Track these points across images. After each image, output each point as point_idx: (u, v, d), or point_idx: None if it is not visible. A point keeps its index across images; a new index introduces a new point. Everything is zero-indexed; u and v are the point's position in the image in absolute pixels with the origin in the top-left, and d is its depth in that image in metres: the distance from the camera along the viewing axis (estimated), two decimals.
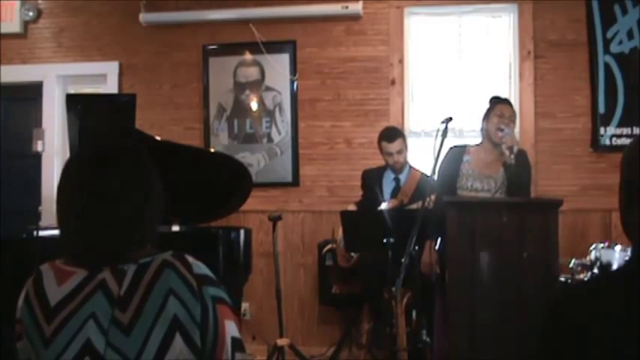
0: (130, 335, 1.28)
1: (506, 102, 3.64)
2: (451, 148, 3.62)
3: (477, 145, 3.68)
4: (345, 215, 3.83)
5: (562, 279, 3.44)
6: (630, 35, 4.47)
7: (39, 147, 3.94)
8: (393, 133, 4.09)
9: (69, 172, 1.42)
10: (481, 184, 3.54)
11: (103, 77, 5.04)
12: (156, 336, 1.28)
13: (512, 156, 3.39)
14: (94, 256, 1.35)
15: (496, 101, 3.62)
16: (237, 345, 1.36)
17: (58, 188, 1.41)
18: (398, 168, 4.10)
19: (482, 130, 3.64)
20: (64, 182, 1.41)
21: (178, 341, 1.28)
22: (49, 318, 1.32)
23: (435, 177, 3.26)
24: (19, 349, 1.38)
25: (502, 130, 3.45)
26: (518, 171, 3.44)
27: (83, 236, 1.36)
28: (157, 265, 1.34)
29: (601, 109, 4.48)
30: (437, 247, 3.55)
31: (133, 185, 1.37)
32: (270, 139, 4.85)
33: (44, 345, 1.31)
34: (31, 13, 5.09)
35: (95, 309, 1.31)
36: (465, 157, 3.61)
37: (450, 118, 3.14)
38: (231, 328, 1.35)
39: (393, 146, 4.04)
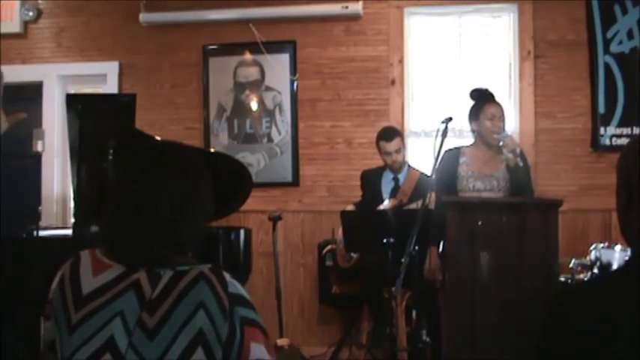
0: (153, 340, 1.28)
1: (492, 100, 3.54)
2: (446, 151, 3.56)
3: (471, 145, 3.65)
4: (345, 215, 3.83)
5: (562, 279, 3.44)
6: (630, 35, 4.47)
7: (39, 147, 3.94)
8: (391, 133, 4.09)
9: (123, 168, 1.42)
10: (482, 183, 3.52)
11: (103, 77, 5.04)
12: (178, 345, 1.27)
13: (517, 158, 3.37)
14: (133, 255, 1.35)
15: (481, 99, 3.54)
16: None
17: (110, 182, 1.41)
18: (396, 167, 4.10)
19: (473, 131, 3.60)
20: (117, 178, 1.41)
21: (199, 354, 1.26)
22: (78, 305, 1.32)
23: (434, 180, 3.25)
24: (45, 329, 1.38)
25: (498, 134, 3.43)
26: (524, 173, 3.43)
27: (125, 235, 1.36)
28: (193, 276, 1.32)
29: (601, 109, 4.48)
30: (440, 252, 3.53)
31: (184, 193, 1.37)
32: (270, 139, 4.85)
33: (68, 331, 1.31)
34: (31, 13, 5.09)
35: (124, 307, 1.31)
36: (462, 159, 3.59)
37: (450, 118, 3.14)
38: (256, 351, 1.32)
39: (391, 146, 4.04)
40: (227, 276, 1.36)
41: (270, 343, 1.37)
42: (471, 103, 3.60)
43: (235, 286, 1.35)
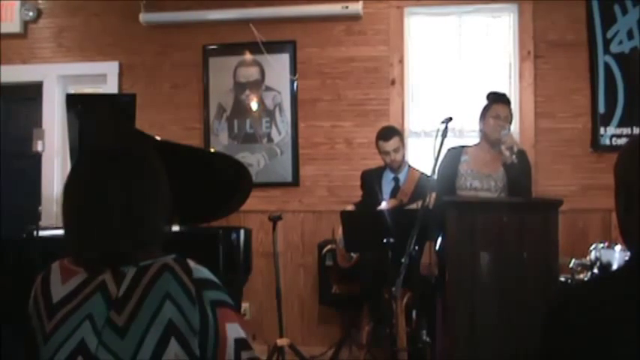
0: (124, 338, 1.28)
1: (502, 100, 3.60)
2: (449, 149, 3.61)
3: (475, 145, 3.69)
4: (345, 215, 3.83)
5: (562, 279, 3.44)
6: (630, 35, 4.47)
7: (39, 147, 3.93)
8: (389, 132, 4.09)
9: (75, 172, 1.43)
10: (480, 183, 3.54)
11: (103, 77, 5.04)
12: (150, 339, 1.27)
13: (513, 156, 3.39)
14: (94, 257, 1.36)
15: (493, 99, 3.60)
16: (241, 345, 1.35)
17: (63, 188, 1.42)
18: (395, 167, 4.10)
19: (480, 130, 3.64)
20: (69, 182, 1.41)
21: (174, 345, 1.28)
22: (50, 315, 1.34)
23: (435, 178, 3.26)
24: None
25: (500, 132, 3.45)
26: (519, 171, 3.44)
27: (84, 237, 1.36)
28: (157, 269, 1.34)
29: (601, 109, 4.48)
30: (437, 248, 3.55)
31: (136, 188, 1.37)
32: (270, 139, 4.85)
33: (44, 341, 1.32)
34: (31, 13, 5.09)
35: (92, 310, 1.32)
36: (463, 158, 3.62)
37: (450, 118, 3.14)
38: (232, 330, 1.34)
39: (390, 145, 4.04)
40: (191, 263, 1.37)
41: (244, 321, 1.38)
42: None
43: (201, 271, 1.36)
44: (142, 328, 1.28)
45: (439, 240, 3.55)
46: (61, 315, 1.32)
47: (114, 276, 1.34)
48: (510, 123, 3.58)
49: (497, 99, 3.60)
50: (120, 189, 1.35)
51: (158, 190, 1.41)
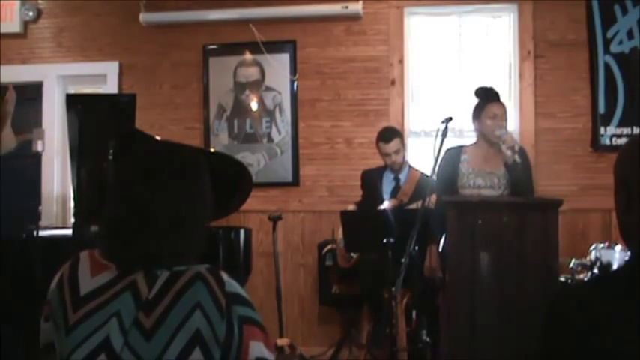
0: (150, 341, 1.28)
1: (495, 99, 3.56)
2: (447, 150, 3.58)
3: (473, 144, 3.68)
4: (345, 215, 3.83)
5: (562, 279, 3.44)
6: (630, 35, 4.47)
7: (39, 147, 3.93)
8: (390, 134, 4.09)
9: (122, 172, 1.43)
10: (483, 180, 3.53)
11: (103, 77, 5.04)
12: (175, 346, 1.27)
13: (515, 155, 3.38)
14: (129, 256, 1.36)
15: (484, 98, 3.56)
16: None
17: (110, 184, 1.42)
18: (396, 168, 4.10)
19: (475, 130, 3.62)
20: (115, 181, 1.42)
21: (197, 354, 1.27)
22: (75, 306, 1.33)
23: (435, 179, 3.26)
24: (43, 330, 1.39)
25: (499, 132, 3.44)
26: (522, 171, 3.43)
27: (122, 236, 1.36)
28: (190, 276, 1.33)
29: (601, 109, 4.48)
30: (440, 250, 3.54)
31: (182, 197, 1.38)
32: (270, 139, 4.85)
33: (66, 331, 1.32)
34: (31, 13, 5.09)
35: (121, 308, 1.31)
36: (463, 157, 3.61)
37: (450, 118, 3.14)
38: (256, 349, 1.33)
39: (390, 147, 4.04)
40: (224, 275, 1.36)
41: (269, 340, 1.37)
42: (473, 102, 3.61)
43: (233, 286, 1.36)
44: (169, 333, 1.28)
45: (442, 241, 3.54)
46: (87, 309, 1.32)
47: (146, 276, 1.34)
48: (506, 120, 3.56)
49: (489, 98, 3.55)
50: (167, 194, 1.36)
51: (202, 199, 1.42)
